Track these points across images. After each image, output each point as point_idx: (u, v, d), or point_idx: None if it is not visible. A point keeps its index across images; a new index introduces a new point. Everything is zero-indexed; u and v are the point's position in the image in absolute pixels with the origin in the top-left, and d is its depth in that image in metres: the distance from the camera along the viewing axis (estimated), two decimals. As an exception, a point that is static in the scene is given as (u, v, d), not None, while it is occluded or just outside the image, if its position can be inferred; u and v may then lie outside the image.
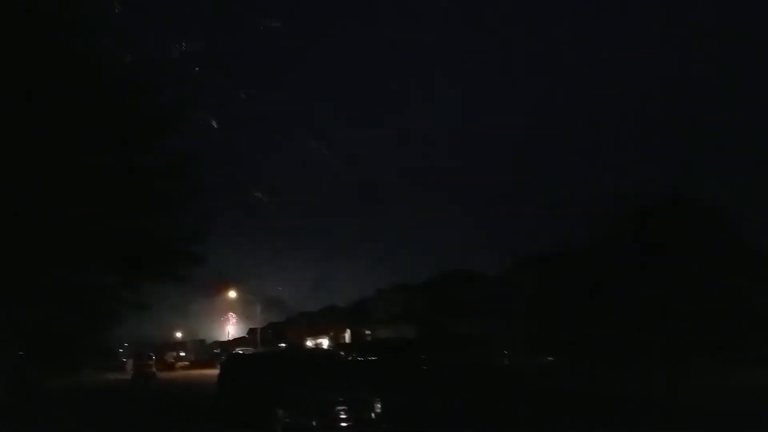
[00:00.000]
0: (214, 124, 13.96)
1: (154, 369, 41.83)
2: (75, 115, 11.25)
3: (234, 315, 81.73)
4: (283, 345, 63.77)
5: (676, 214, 28.75)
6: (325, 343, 64.42)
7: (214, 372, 24.19)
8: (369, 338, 54.18)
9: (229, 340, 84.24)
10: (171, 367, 57.94)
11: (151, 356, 46.67)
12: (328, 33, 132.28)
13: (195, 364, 64.85)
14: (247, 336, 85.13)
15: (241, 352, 33.57)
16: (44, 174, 11.22)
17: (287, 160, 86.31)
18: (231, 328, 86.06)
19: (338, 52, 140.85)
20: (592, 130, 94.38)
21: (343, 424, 9.99)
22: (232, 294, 65.24)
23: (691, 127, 78.33)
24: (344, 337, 62.93)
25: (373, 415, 10.42)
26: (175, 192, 14.19)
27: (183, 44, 13.16)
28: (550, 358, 31.10)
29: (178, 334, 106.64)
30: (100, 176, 12.10)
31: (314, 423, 9.90)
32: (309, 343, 66.28)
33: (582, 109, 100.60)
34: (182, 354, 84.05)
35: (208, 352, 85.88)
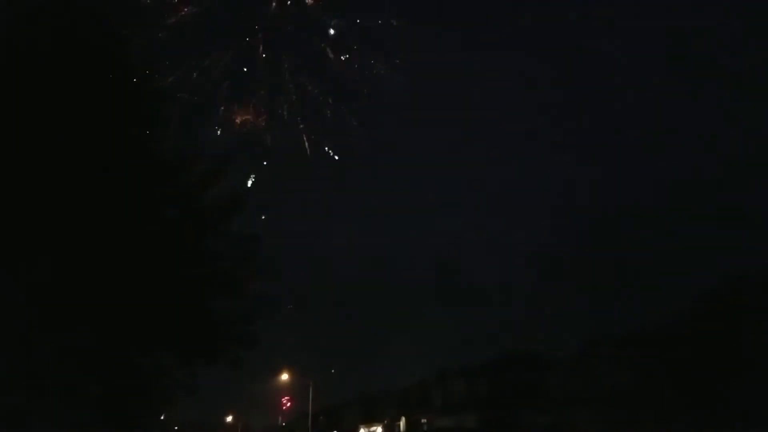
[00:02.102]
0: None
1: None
2: (149, 199, 11.37)
3: (287, 398, 79.82)
4: (335, 432, 61.28)
5: (752, 295, 26.83)
6: (378, 431, 61.43)
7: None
8: (425, 427, 51.18)
9: (281, 425, 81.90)
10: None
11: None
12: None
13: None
14: (298, 421, 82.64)
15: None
16: (116, 253, 11.24)
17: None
18: (282, 413, 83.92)
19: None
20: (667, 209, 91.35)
21: None
22: (285, 377, 63.83)
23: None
24: (399, 426, 59.73)
25: None
26: (242, 275, 14.31)
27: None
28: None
29: (229, 418, 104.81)
30: (173, 260, 12.19)
31: None
32: (362, 431, 63.39)
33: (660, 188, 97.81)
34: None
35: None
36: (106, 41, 10.94)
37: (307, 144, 58.71)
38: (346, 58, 56.76)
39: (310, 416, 67.93)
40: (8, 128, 9.80)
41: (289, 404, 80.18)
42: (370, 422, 64.86)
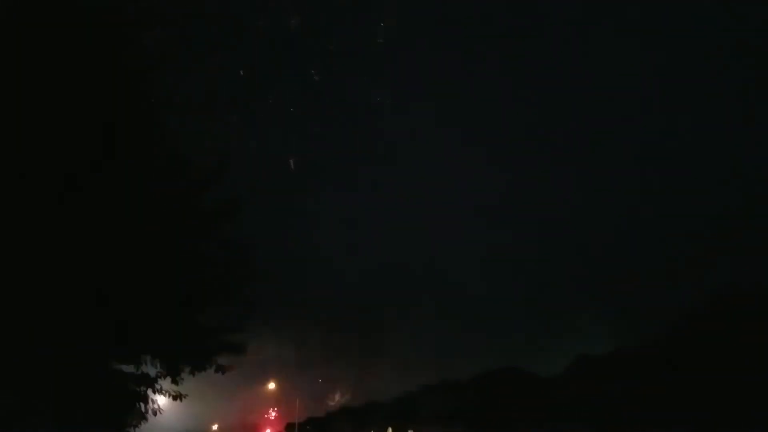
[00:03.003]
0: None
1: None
2: (135, 200, 11.24)
3: (274, 410, 79.19)
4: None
5: (738, 315, 26.97)
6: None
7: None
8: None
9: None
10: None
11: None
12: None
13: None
14: (285, 430, 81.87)
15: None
16: (95, 258, 11.09)
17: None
18: (272, 417, 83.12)
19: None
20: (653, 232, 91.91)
21: None
22: (272, 386, 63.37)
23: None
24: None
25: None
26: (233, 282, 14.19)
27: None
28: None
29: (215, 427, 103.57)
30: (158, 265, 12.06)
31: None
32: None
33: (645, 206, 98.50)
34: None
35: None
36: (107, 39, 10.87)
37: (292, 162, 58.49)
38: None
39: (297, 426, 67.40)
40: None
41: (273, 414, 79.56)
42: (357, 433, 64.46)
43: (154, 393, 15.93)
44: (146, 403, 16.75)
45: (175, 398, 15.93)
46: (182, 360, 14.29)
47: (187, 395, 16.38)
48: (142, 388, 15.45)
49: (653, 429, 26.08)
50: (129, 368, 14.96)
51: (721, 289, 29.17)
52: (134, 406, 16.90)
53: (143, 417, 19.22)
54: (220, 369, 14.95)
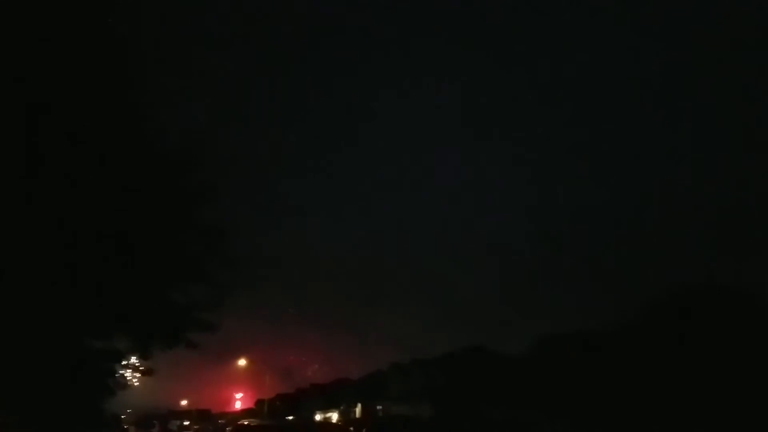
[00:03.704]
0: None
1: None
2: (114, 182, 11.18)
3: (243, 385, 79.47)
4: (291, 418, 61.29)
5: (711, 300, 27.74)
6: (334, 417, 61.85)
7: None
8: (380, 414, 51.76)
9: (236, 411, 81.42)
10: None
11: (154, 424, 45.04)
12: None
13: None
14: (255, 407, 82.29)
15: (246, 423, 32.01)
16: (71, 236, 11.03)
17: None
18: (239, 398, 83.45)
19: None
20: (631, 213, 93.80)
21: None
22: (242, 363, 63.60)
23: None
24: (355, 412, 60.34)
25: None
26: (207, 264, 14.29)
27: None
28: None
29: (184, 402, 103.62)
30: (136, 245, 12.06)
31: None
32: (318, 417, 63.68)
33: (621, 196, 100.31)
34: (186, 423, 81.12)
35: (213, 422, 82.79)
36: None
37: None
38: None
39: (266, 402, 67.96)
40: None
41: (241, 390, 79.96)
42: (326, 409, 65.27)
43: (125, 369, 16.02)
44: (115, 378, 16.86)
45: (144, 374, 16.04)
46: (153, 336, 14.34)
47: (156, 371, 16.52)
48: (112, 364, 15.50)
49: (614, 413, 26.97)
50: (99, 344, 14.95)
51: (689, 276, 29.85)
52: (104, 382, 16.95)
53: (112, 392, 19.30)
54: (191, 345, 15.04)
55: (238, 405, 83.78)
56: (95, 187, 10.86)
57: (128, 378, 17.79)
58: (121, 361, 16.02)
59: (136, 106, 11.98)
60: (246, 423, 32.73)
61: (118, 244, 11.70)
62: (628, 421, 26.12)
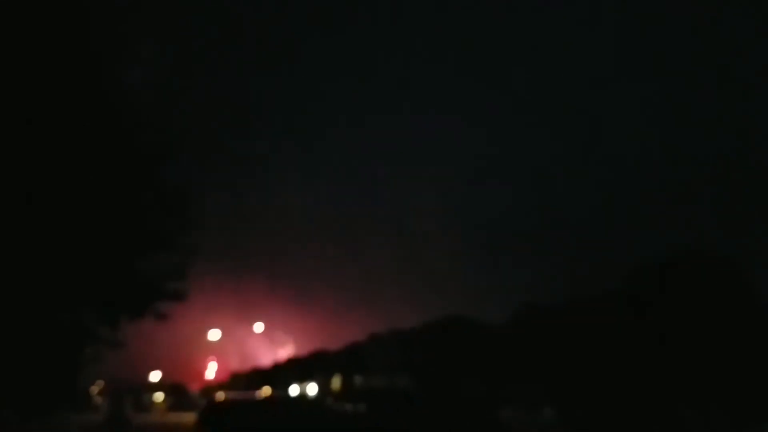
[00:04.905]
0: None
1: (129, 411, 39.67)
2: (70, 142, 10.40)
3: (216, 357, 78.86)
4: (269, 390, 61.15)
5: (689, 267, 27.99)
6: (313, 389, 61.89)
7: (192, 417, 22.36)
8: (358, 384, 51.95)
9: (210, 384, 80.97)
10: (146, 410, 55.36)
11: (126, 397, 44.35)
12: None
13: (172, 408, 61.85)
14: (230, 380, 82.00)
15: (222, 398, 31.37)
16: (30, 203, 10.27)
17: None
18: (212, 371, 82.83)
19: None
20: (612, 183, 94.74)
21: None
22: (215, 335, 62.87)
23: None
24: (335, 384, 60.41)
25: None
26: (169, 229, 13.70)
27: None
28: (549, 416, 29.75)
29: (157, 375, 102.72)
30: (93, 209, 11.30)
31: None
32: (296, 389, 63.66)
33: (601, 164, 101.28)
34: (161, 396, 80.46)
35: (187, 395, 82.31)
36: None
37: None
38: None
39: (242, 376, 67.56)
40: None
41: (215, 363, 79.42)
42: (303, 381, 65.28)
43: (93, 342, 15.31)
44: (83, 352, 16.08)
45: (113, 346, 15.39)
46: (120, 307, 13.68)
47: (126, 344, 15.82)
48: (80, 338, 14.90)
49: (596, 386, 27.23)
50: (65, 317, 14.26)
51: (672, 247, 30.02)
52: (72, 357, 16.19)
53: (81, 367, 18.54)
54: (160, 316, 14.50)
55: (211, 375, 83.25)
56: (50, 148, 10.06)
57: (97, 352, 16.99)
58: (89, 335, 15.26)
59: (92, 59, 11.10)
60: (221, 397, 32.08)
61: (75, 210, 10.94)
62: (610, 390, 26.37)
